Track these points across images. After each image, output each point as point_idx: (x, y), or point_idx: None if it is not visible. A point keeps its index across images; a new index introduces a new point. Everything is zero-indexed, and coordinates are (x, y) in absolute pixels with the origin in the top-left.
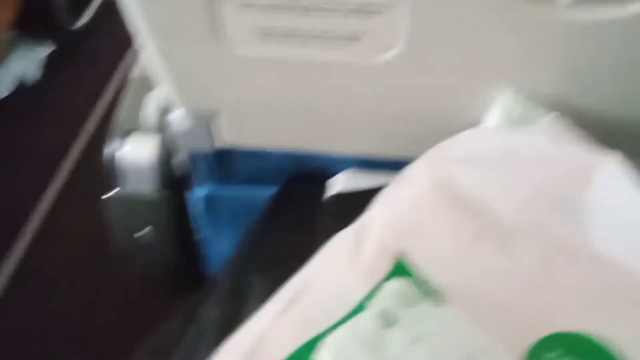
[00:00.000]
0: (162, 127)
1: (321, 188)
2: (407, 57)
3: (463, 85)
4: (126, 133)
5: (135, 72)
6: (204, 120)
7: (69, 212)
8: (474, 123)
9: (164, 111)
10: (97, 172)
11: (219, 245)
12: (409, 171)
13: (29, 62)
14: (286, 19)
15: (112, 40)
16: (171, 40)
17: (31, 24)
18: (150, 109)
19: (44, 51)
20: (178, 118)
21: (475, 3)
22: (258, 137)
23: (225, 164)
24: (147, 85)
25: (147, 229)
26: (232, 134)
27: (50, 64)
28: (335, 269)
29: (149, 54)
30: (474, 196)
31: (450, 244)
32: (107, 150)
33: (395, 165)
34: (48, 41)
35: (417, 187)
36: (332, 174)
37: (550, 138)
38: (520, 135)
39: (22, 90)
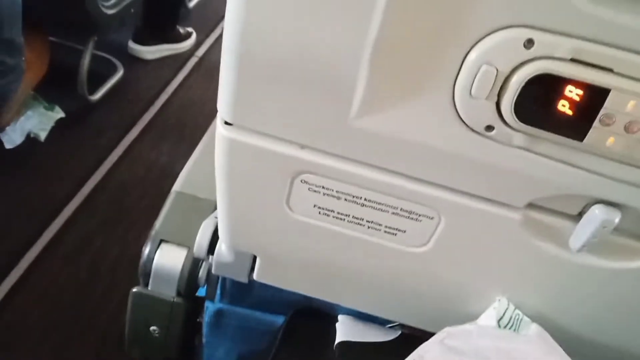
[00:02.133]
0: (211, 252)
1: (325, 327)
2: (432, 254)
3: (468, 285)
4: (160, 241)
5: (177, 185)
6: (244, 260)
7: (49, 270)
8: (469, 314)
9: (215, 239)
10: (82, 237)
11: (217, 353)
12: (421, 352)
13: (40, 122)
14: (345, 206)
15: (117, 118)
16: (243, 197)
17: (51, 88)
18: (205, 234)
19: (55, 115)
20: (223, 250)
21: (495, 234)
22: (284, 281)
23: (244, 288)
24: (185, 201)
25: (158, 326)
26: (262, 275)
27: (58, 127)
28: None
29: (219, 197)
30: None
31: None
32: (143, 251)
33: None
34: (60, 107)
35: None
36: (334, 313)
37: (539, 348)
38: (516, 341)
39: (27, 147)
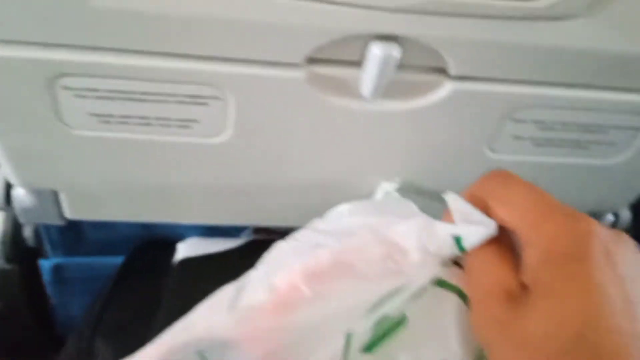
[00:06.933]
0: (8, 203)
1: (168, 254)
2: (237, 140)
3: (285, 169)
4: None
5: None
6: (47, 198)
7: None
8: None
9: (9, 186)
10: None
11: (71, 311)
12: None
13: None
14: (123, 106)
15: None
16: (9, 122)
17: None
18: None
19: None
20: (21, 194)
21: (286, 102)
22: (102, 212)
23: (73, 234)
24: None
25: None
26: (74, 211)
27: None
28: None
29: None
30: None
31: None
32: None
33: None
34: None
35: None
36: (180, 239)
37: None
38: (386, 212)
39: None
